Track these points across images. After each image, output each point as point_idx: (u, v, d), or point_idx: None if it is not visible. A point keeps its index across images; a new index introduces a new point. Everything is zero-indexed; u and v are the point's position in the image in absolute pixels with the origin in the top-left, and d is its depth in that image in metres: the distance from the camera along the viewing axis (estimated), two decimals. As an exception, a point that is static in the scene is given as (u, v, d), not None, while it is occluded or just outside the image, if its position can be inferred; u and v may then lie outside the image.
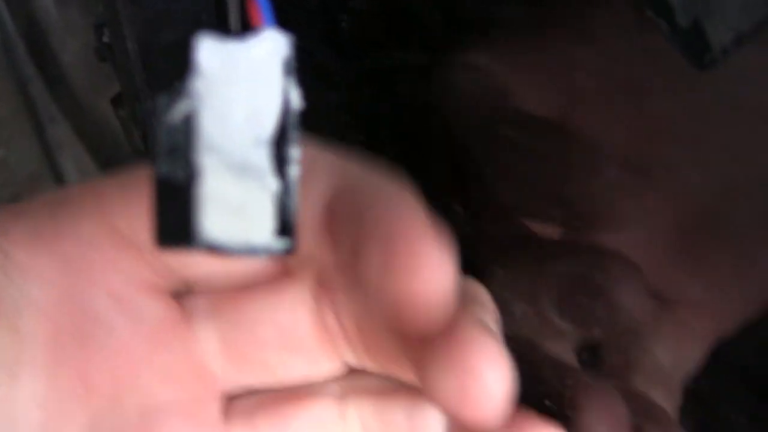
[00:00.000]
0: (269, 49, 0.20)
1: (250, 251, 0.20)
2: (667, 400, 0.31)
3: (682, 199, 0.32)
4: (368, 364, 0.26)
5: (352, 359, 0.26)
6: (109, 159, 0.53)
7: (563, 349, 0.31)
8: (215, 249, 0.19)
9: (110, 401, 0.25)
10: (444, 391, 0.21)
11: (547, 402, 0.27)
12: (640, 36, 0.29)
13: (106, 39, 0.38)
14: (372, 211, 0.22)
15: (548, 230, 0.32)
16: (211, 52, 0.19)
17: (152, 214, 0.19)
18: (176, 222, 0.19)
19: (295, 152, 0.20)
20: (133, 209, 0.25)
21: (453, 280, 0.21)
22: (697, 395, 0.30)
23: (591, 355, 0.31)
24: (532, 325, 0.30)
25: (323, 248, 0.24)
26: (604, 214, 0.33)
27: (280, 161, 0.20)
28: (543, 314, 0.30)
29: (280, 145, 0.20)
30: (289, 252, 0.20)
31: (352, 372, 0.27)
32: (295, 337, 0.26)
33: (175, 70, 0.19)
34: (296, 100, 0.20)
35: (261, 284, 0.26)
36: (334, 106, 0.31)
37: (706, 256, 0.32)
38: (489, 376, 0.21)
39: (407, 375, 0.25)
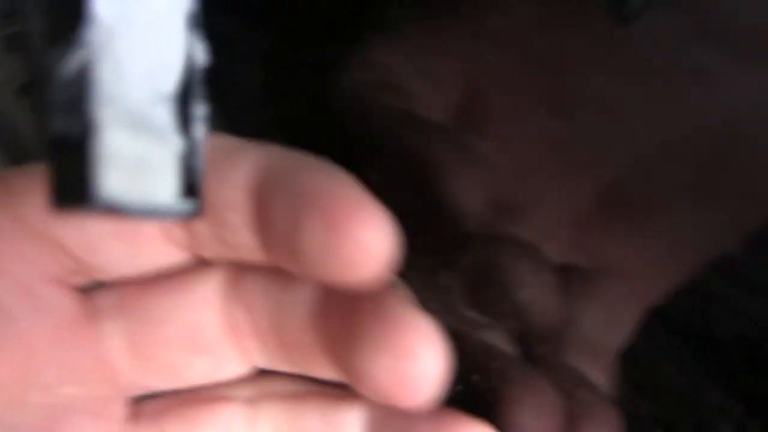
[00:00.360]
0: (171, 1, 0.19)
1: (152, 212, 0.18)
2: (601, 373, 0.31)
3: (600, 170, 0.32)
4: (281, 364, 0.25)
5: (263, 360, 0.25)
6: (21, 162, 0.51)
7: (495, 339, 0.31)
8: (115, 209, 0.18)
9: (13, 398, 0.24)
10: (377, 374, 0.21)
11: (476, 391, 0.26)
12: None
13: (13, 28, 0.36)
14: (308, 184, 0.21)
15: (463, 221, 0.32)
16: (108, 1, 0.18)
17: (48, 174, 0.18)
18: (74, 181, 0.18)
19: (200, 110, 0.19)
20: (42, 200, 0.24)
21: (393, 241, 0.21)
22: (636, 358, 0.29)
23: (520, 343, 0.31)
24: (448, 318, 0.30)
25: (248, 232, 0.23)
26: (519, 197, 0.33)
27: (185, 119, 0.19)
28: (454, 308, 0.30)
29: (184, 101, 0.19)
30: (195, 215, 0.19)
31: (263, 376, 0.26)
32: (203, 338, 0.25)
33: (71, 22, 0.18)
34: (201, 56, 0.19)
35: (171, 280, 0.25)
36: (241, 79, 0.31)
37: (626, 223, 0.32)
38: (425, 357, 0.21)
39: (325, 371, 0.24)
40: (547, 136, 0.32)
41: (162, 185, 0.19)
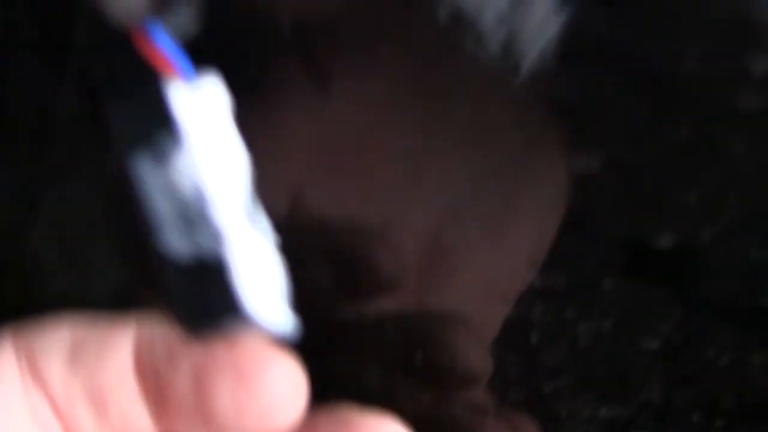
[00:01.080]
0: (210, 92, 0.16)
1: (277, 326, 0.16)
2: None
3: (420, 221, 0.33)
4: None
5: None
6: None
7: None
8: (254, 321, 0.15)
9: None
10: None
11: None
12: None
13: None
14: (206, 347, 0.21)
15: None
16: (182, 96, 0.15)
17: (170, 304, 0.14)
18: (206, 302, 0.15)
19: (258, 211, 0.17)
20: None
21: (305, 382, 0.21)
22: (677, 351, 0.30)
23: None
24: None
25: (139, 410, 0.22)
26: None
27: (253, 221, 0.16)
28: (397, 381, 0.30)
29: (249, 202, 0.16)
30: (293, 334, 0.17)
31: None
32: None
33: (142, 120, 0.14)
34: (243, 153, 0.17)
35: None
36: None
37: (449, 269, 0.33)
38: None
39: None
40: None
41: (273, 295, 0.16)
